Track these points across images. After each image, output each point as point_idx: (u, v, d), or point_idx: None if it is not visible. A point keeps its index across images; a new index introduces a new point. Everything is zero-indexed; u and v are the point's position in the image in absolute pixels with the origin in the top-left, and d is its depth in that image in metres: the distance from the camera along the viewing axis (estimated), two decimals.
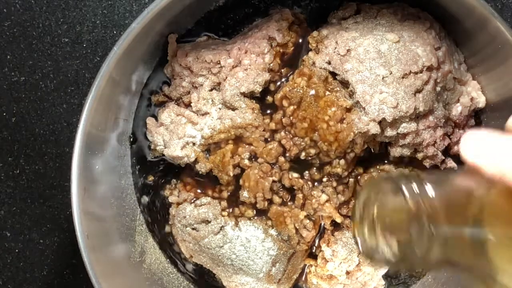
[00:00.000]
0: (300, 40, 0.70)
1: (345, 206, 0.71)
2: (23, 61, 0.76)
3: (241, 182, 0.70)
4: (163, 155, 0.71)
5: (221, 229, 0.71)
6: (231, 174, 0.69)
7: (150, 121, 0.72)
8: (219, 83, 0.69)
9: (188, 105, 0.70)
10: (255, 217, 0.71)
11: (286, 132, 0.68)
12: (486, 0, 0.65)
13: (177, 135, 0.69)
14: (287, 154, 0.69)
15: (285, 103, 0.68)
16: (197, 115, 0.70)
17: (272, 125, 0.69)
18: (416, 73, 0.65)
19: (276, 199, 0.70)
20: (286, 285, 0.74)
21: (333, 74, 0.67)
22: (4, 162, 0.79)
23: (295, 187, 0.70)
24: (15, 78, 0.77)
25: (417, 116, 0.66)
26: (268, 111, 0.69)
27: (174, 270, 0.75)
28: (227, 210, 0.71)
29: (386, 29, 0.66)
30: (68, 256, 0.80)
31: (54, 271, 0.80)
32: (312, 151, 0.68)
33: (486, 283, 0.42)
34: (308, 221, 0.71)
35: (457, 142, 0.71)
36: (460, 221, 0.43)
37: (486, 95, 0.71)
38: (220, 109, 0.69)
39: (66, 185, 0.77)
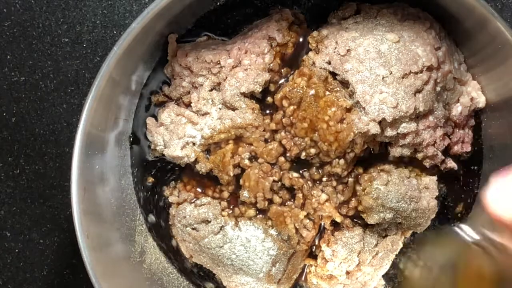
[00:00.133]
0: (300, 40, 0.70)
1: (345, 205, 0.71)
2: (23, 61, 0.76)
3: (241, 182, 0.70)
4: (163, 155, 0.71)
5: (221, 229, 0.71)
6: (231, 174, 0.69)
7: (150, 121, 0.72)
8: (219, 83, 0.69)
9: (188, 105, 0.71)
10: (256, 217, 0.71)
11: (286, 132, 0.68)
12: (486, 0, 0.65)
13: (177, 135, 0.69)
14: (288, 154, 0.69)
15: (285, 103, 0.68)
16: (197, 115, 0.70)
17: (272, 125, 0.69)
18: (416, 73, 0.65)
19: (276, 199, 0.70)
20: (286, 285, 0.74)
21: (333, 74, 0.67)
22: (4, 162, 0.79)
23: (295, 187, 0.70)
24: (15, 78, 0.77)
25: (417, 116, 0.66)
26: (268, 111, 0.69)
27: (174, 270, 0.75)
28: (227, 210, 0.71)
29: (386, 29, 0.66)
30: (68, 256, 0.80)
31: (54, 271, 0.80)
32: (312, 151, 0.68)
33: None
34: (308, 221, 0.71)
35: (457, 142, 0.71)
36: None
37: (486, 95, 0.71)
38: (220, 109, 0.69)
39: (66, 185, 0.77)
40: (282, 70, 0.69)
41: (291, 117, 0.67)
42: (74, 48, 0.76)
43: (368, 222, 0.70)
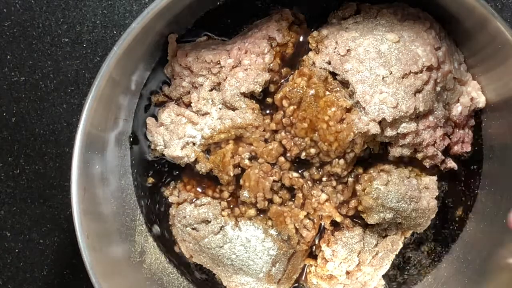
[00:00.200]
0: (300, 40, 0.70)
1: (344, 205, 0.71)
2: (23, 61, 0.76)
3: (241, 182, 0.70)
4: (163, 155, 0.71)
5: (221, 229, 0.71)
6: (232, 174, 0.69)
7: (150, 121, 0.72)
8: (219, 83, 0.69)
9: (188, 105, 0.71)
10: (256, 217, 0.71)
11: (287, 132, 0.68)
12: (486, 0, 0.65)
13: (177, 135, 0.69)
14: (288, 154, 0.69)
15: (285, 103, 0.68)
16: (197, 115, 0.70)
17: (273, 125, 0.69)
18: (416, 73, 0.65)
19: (276, 199, 0.70)
20: (286, 285, 0.74)
21: (333, 74, 0.67)
22: (4, 162, 0.79)
23: (295, 187, 0.70)
24: (15, 78, 0.77)
25: (417, 116, 0.66)
26: (268, 111, 0.69)
27: (174, 270, 0.75)
28: (227, 210, 0.71)
29: (386, 29, 0.66)
30: (68, 256, 0.80)
31: (54, 271, 0.80)
32: (312, 151, 0.68)
33: None
34: (308, 221, 0.71)
35: (457, 142, 0.71)
36: None
37: (486, 95, 0.71)
38: (220, 109, 0.69)
39: (66, 185, 0.77)
40: (282, 70, 0.69)
41: (291, 117, 0.67)
42: (74, 48, 0.76)
43: (368, 222, 0.70)
